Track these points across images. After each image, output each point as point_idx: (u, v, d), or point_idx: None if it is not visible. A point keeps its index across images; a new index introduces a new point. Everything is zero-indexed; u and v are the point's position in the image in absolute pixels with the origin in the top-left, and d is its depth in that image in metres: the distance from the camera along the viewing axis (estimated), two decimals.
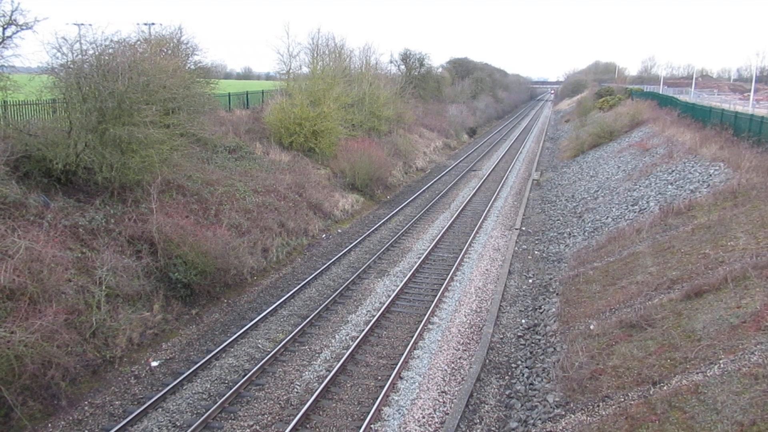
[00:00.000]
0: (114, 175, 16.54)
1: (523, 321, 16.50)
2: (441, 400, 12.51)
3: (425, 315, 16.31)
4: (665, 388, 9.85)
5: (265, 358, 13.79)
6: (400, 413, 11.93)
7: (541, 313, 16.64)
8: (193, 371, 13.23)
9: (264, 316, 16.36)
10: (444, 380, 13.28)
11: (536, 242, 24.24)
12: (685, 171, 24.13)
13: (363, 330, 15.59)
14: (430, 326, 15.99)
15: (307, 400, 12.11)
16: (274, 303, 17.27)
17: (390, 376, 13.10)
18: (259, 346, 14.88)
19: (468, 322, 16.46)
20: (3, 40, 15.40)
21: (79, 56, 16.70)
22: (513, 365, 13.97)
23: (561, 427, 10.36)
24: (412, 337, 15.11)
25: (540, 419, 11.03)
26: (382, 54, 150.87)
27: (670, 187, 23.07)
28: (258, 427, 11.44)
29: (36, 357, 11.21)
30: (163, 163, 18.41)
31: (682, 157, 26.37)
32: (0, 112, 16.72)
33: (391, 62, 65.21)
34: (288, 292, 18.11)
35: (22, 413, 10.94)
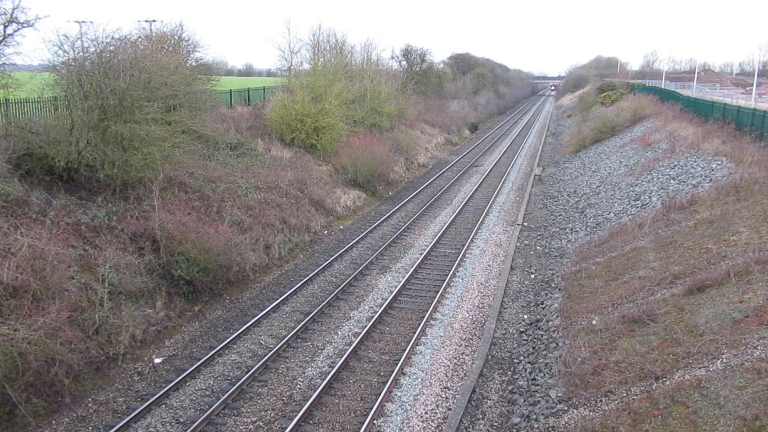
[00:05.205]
0: (116, 172, 16.56)
1: (526, 316, 16.50)
2: (444, 395, 12.53)
3: (427, 311, 16.32)
4: (668, 383, 9.85)
5: (268, 355, 13.82)
6: (402, 409, 11.96)
7: (544, 308, 16.64)
8: (196, 368, 13.27)
9: (266, 312, 16.38)
10: (446, 376, 13.30)
11: (538, 238, 24.22)
12: (687, 166, 24.07)
13: (365, 326, 15.62)
14: (433, 322, 16.01)
15: (310, 396, 12.14)
16: (277, 299, 17.30)
17: (393, 371, 13.12)
18: (262, 342, 14.92)
19: (470, 317, 16.48)
20: (4, 37, 15.38)
21: (81, 53, 16.69)
22: (515, 360, 13.99)
23: (564, 422, 10.37)
24: (415, 332, 15.13)
25: (543, 414, 11.05)
26: (383, 50, 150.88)
27: (672, 181, 23.02)
28: (261, 423, 11.48)
29: (39, 354, 11.25)
30: (165, 160, 18.42)
31: (684, 152, 26.31)
32: (2, 110, 16.72)
33: (392, 58, 65.28)
34: (290, 289, 18.15)
35: (26, 410, 10.99)
